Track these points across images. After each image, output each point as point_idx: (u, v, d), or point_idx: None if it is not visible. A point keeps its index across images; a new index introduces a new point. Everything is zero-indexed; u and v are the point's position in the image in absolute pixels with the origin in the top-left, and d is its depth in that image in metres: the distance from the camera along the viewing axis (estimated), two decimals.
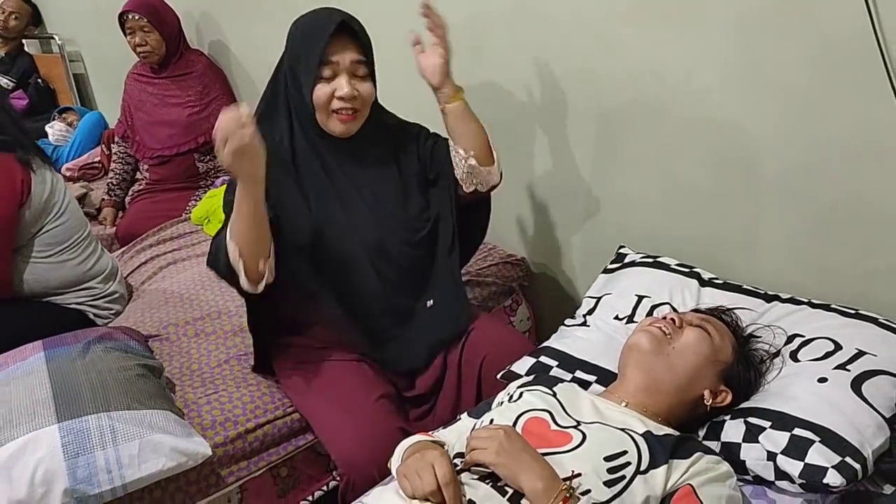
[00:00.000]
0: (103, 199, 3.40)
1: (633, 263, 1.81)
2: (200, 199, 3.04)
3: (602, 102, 1.93)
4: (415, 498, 1.14)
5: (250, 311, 1.79)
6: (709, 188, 1.79)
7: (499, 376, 1.65)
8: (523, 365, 1.62)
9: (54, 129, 4.00)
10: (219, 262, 1.57)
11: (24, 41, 4.69)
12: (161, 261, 2.64)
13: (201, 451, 1.55)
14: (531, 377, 1.48)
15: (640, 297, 1.67)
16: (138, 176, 3.43)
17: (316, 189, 1.68)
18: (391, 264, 1.72)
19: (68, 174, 3.67)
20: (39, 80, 4.60)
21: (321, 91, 1.59)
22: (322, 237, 1.66)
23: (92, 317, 2.20)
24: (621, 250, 1.89)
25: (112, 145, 3.51)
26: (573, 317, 1.76)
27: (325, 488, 1.88)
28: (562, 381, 1.44)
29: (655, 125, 1.83)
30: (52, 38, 4.61)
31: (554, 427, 1.23)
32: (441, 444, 1.29)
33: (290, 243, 1.60)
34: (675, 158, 1.83)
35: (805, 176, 1.60)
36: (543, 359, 1.61)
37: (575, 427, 1.22)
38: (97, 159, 3.78)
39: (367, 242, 1.69)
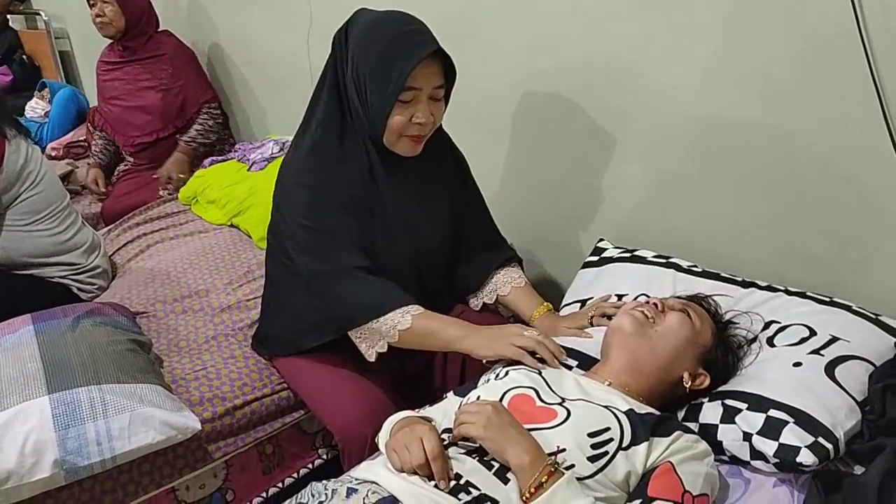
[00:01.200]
0: (88, 164, 3.36)
1: (610, 259, 1.84)
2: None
3: (591, 95, 1.95)
4: (403, 471, 1.17)
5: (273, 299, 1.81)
6: (693, 179, 1.82)
7: (485, 360, 1.67)
8: None
9: (33, 106, 3.96)
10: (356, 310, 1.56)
11: (8, 17, 4.63)
12: (148, 239, 2.63)
13: (191, 426, 1.57)
14: None
15: (620, 297, 1.70)
16: (122, 157, 3.42)
17: (368, 204, 1.64)
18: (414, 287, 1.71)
19: (53, 153, 3.66)
20: (24, 57, 4.55)
21: (398, 118, 1.51)
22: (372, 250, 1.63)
23: (76, 291, 2.21)
24: (599, 244, 1.92)
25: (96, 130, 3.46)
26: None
27: (310, 466, 1.92)
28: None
29: (643, 117, 1.86)
30: (38, 14, 4.57)
31: (539, 403, 1.26)
32: (429, 419, 1.31)
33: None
34: (662, 150, 1.86)
35: (786, 167, 1.63)
36: None
37: (559, 404, 1.26)
38: (82, 138, 3.75)
39: (405, 256, 1.69)
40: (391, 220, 1.64)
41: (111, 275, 2.41)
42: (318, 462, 1.94)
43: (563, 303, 1.82)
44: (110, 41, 3.19)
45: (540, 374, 1.36)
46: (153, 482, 1.62)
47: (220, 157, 3.05)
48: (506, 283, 1.78)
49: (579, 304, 1.77)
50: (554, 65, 2.02)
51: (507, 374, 1.38)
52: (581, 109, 1.98)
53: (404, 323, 1.52)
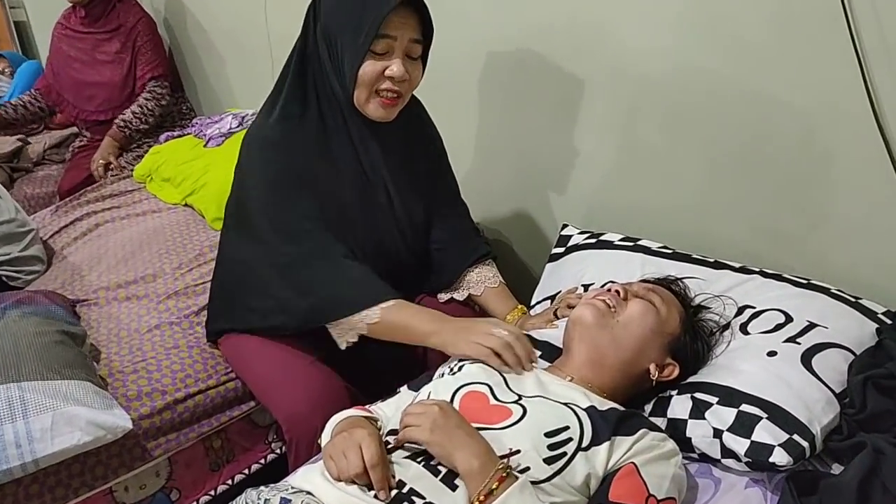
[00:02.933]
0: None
1: (576, 247, 1.75)
2: (143, 156, 2.90)
3: (555, 62, 1.84)
4: (340, 479, 1.07)
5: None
6: (663, 152, 1.72)
7: None
8: None
9: None
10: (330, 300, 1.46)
11: None
12: (98, 218, 2.50)
13: (121, 425, 1.45)
14: None
15: (587, 287, 1.61)
16: (76, 132, 3.27)
17: (342, 176, 1.54)
18: (388, 261, 1.63)
19: None
20: None
21: (370, 67, 1.40)
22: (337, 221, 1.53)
23: (5, 280, 2.08)
24: (564, 231, 1.82)
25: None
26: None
27: (262, 461, 1.81)
28: None
29: (609, 85, 1.76)
30: None
31: (493, 402, 1.16)
32: (375, 420, 1.22)
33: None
34: (631, 121, 1.75)
35: (760, 139, 1.54)
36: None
37: (515, 402, 1.16)
38: None
39: (371, 236, 1.59)
40: (370, 189, 1.56)
41: (45, 261, 2.25)
42: (271, 457, 1.83)
43: (533, 300, 1.74)
44: (72, 4, 3.02)
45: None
46: (85, 484, 1.51)
47: (176, 133, 2.91)
48: (479, 283, 1.70)
49: (550, 301, 1.68)
50: (516, 30, 1.90)
51: (461, 368, 1.28)
52: (545, 77, 1.88)
53: (372, 316, 1.41)
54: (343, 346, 1.48)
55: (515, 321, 1.62)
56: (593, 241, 1.73)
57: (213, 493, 1.73)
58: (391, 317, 1.41)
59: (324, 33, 1.44)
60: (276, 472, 1.70)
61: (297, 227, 1.48)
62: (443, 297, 1.73)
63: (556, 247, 1.79)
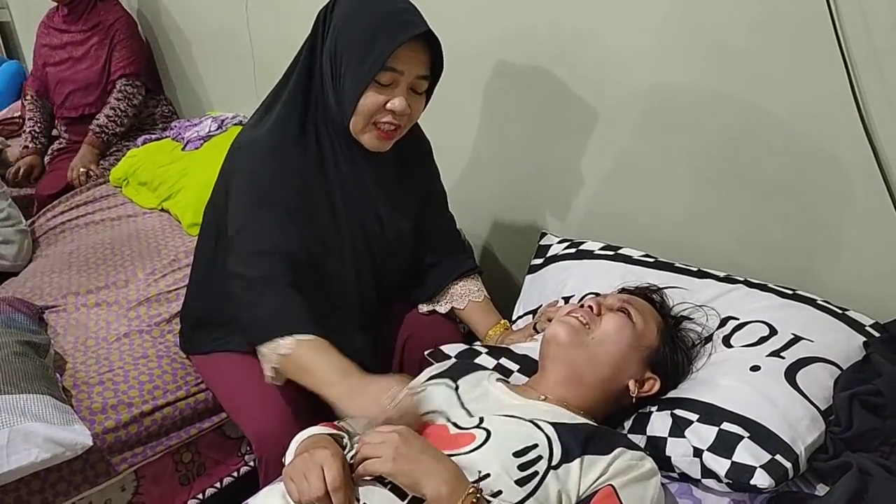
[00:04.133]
0: (25, 148, 3.11)
1: (555, 258, 1.70)
2: (120, 159, 2.84)
3: (537, 66, 1.79)
4: (300, 503, 1.02)
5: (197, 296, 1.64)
6: (647, 159, 1.68)
7: (427, 353, 1.54)
8: (454, 348, 1.52)
9: None
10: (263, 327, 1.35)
11: None
12: (72, 224, 2.44)
13: (80, 442, 1.39)
14: (451, 361, 1.37)
15: (567, 300, 1.57)
16: (55, 134, 3.20)
17: (332, 197, 1.46)
18: (376, 290, 1.58)
19: None
20: None
21: (372, 99, 1.32)
22: (319, 250, 1.46)
23: None
24: (542, 241, 1.78)
25: (27, 98, 3.26)
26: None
27: (234, 474, 1.76)
28: (481, 367, 1.33)
29: (594, 91, 1.71)
30: None
31: (454, 431, 1.11)
32: (340, 438, 1.17)
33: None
34: (614, 128, 1.71)
35: (746, 147, 1.50)
36: (476, 345, 1.53)
37: (477, 426, 1.11)
38: (17, 114, 3.53)
39: (360, 267, 1.52)
40: (351, 216, 1.47)
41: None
42: (244, 469, 1.77)
43: (515, 314, 1.70)
44: (55, 3, 3.00)
45: (457, 390, 1.20)
46: (45, 501, 1.45)
47: (154, 136, 2.85)
48: (463, 296, 1.65)
49: (532, 315, 1.64)
50: (499, 35, 1.85)
51: (423, 390, 1.22)
52: (527, 82, 1.83)
53: (285, 347, 1.29)
54: (267, 373, 1.36)
55: (497, 336, 1.59)
56: (573, 250, 1.68)
57: None
58: (303, 352, 1.29)
59: (330, 49, 1.35)
60: (248, 485, 1.65)
61: (255, 249, 1.38)
62: (423, 308, 1.68)
63: (535, 258, 1.74)
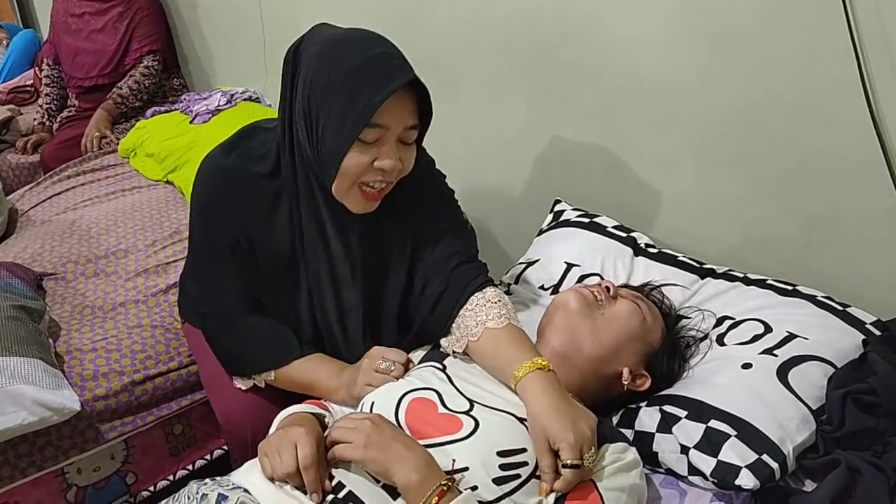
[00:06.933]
0: (41, 125, 3.13)
1: (567, 223, 1.67)
2: (129, 130, 2.84)
3: (543, 49, 1.77)
4: (273, 478, 1.02)
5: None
6: (650, 147, 1.65)
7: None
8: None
9: None
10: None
11: None
12: (77, 192, 2.44)
13: (68, 406, 1.40)
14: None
15: (570, 266, 1.55)
16: (68, 103, 3.21)
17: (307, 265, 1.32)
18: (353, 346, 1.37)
19: None
20: None
21: (356, 160, 1.14)
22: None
23: None
24: (557, 206, 1.75)
25: (43, 67, 3.26)
26: (500, 282, 1.62)
27: (225, 447, 1.75)
28: None
29: (599, 75, 1.68)
30: None
31: (442, 410, 1.09)
32: (322, 417, 1.16)
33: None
34: (619, 113, 1.68)
35: (751, 138, 1.46)
36: None
37: (467, 412, 1.09)
38: (29, 82, 3.53)
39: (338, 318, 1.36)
40: (330, 279, 1.32)
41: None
42: None
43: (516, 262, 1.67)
44: None
45: (444, 370, 1.18)
46: (33, 465, 1.45)
47: (163, 108, 2.84)
48: (477, 324, 1.22)
49: (524, 265, 1.62)
50: (505, 15, 1.82)
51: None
52: (533, 65, 1.80)
53: (264, 380, 1.33)
54: (240, 385, 1.37)
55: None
56: (586, 220, 1.66)
57: (171, 478, 1.68)
58: (284, 380, 1.31)
59: (304, 105, 1.17)
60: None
61: (205, 292, 1.37)
62: (445, 347, 1.32)
63: (547, 221, 1.73)
